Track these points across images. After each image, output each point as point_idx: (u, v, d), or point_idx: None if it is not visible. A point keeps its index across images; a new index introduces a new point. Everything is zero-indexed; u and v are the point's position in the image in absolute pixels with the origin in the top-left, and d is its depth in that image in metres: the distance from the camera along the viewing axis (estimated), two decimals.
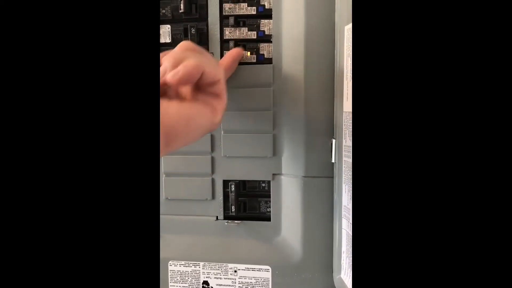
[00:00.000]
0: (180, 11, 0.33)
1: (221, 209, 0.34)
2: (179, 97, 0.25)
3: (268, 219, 0.34)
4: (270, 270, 0.34)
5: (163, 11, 0.33)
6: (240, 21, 0.33)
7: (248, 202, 0.34)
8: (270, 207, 0.34)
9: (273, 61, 0.32)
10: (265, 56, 0.32)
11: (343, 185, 0.29)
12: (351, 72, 0.28)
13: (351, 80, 0.28)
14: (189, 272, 0.35)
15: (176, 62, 0.23)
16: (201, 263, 0.35)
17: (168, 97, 0.25)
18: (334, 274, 0.31)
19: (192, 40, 0.32)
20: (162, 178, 0.35)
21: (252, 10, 0.32)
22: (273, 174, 0.33)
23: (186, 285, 0.35)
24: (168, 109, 0.23)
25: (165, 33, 0.33)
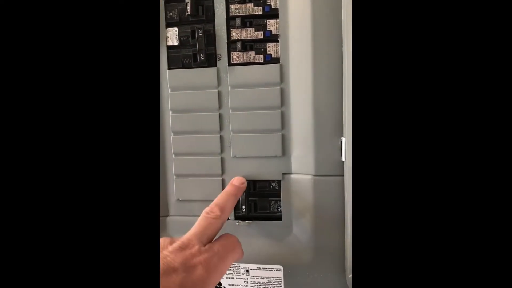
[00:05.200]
0: (187, 13, 0.33)
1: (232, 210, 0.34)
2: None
3: (279, 218, 0.34)
4: (282, 270, 0.34)
5: (170, 13, 0.34)
6: (247, 21, 0.33)
7: (258, 202, 0.34)
8: (280, 207, 0.34)
9: (281, 60, 0.32)
10: (273, 56, 0.32)
11: None
12: (351, 70, 0.27)
13: (351, 77, 0.27)
14: None
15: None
16: None
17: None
18: (347, 273, 0.31)
19: (199, 42, 0.32)
20: (173, 179, 0.35)
21: (259, 10, 0.32)
22: (283, 174, 0.33)
23: None
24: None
25: (172, 35, 0.34)
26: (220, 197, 0.30)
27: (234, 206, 0.31)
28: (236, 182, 0.32)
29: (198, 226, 0.27)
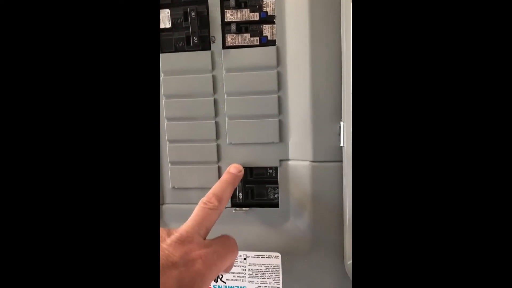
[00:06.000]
0: None
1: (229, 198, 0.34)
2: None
3: (276, 205, 0.33)
4: (280, 257, 0.33)
5: None
6: (241, 2, 0.31)
7: (255, 189, 0.34)
8: (278, 194, 0.33)
9: (277, 42, 0.31)
10: (269, 38, 0.31)
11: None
12: (350, 51, 0.26)
13: (351, 60, 0.26)
14: None
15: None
16: None
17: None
18: (345, 259, 0.31)
19: (192, 24, 0.31)
20: (168, 167, 0.34)
21: None
22: (280, 160, 0.33)
23: None
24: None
25: (164, 18, 0.32)
26: (217, 186, 0.29)
27: (231, 195, 0.30)
28: (233, 170, 0.31)
29: (195, 217, 0.27)
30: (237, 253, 0.28)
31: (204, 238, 0.26)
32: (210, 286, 0.35)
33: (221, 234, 0.28)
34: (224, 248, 0.26)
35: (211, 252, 0.25)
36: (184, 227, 0.26)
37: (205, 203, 0.27)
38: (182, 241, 0.24)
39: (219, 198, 0.28)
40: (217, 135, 0.33)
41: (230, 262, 0.27)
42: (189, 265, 0.23)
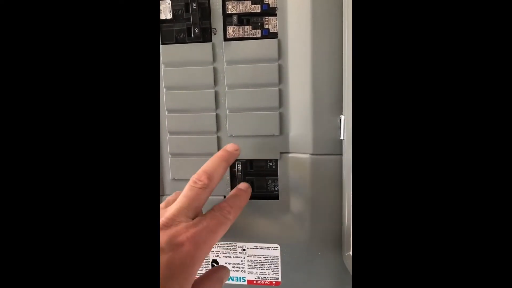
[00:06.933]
0: None
1: (229, 189, 0.34)
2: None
3: (276, 197, 0.34)
4: (279, 248, 0.34)
5: None
6: None
7: (255, 181, 0.34)
8: (278, 186, 0.33)
9: (279, 35, 0.31)
10: (270, 31, 0.31)
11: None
12: (351, 45, 0.26)
13: (351, 53, 0.26)
14: None
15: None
16: None
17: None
18: (343, 251, 0.31)
19: (193, 15, 0.31)
20: (168, 158, 0.34)
21: None
22: (281, 153, 0.33)
23: None
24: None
25: (165, 9, 0.32)
26: (209, 163, 0.28)
27: (224, 173, 0.29)
28: (229, 148, 0.30)
29: (183, 198, 0.26)
30: (231, 221, 0.27)
31: (194, 218, 0.25)
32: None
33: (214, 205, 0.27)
34: (214, 221, 0.25)
35: (199, 231, 0.24)
36: (170, 211, 0.25)
37: (194, 182, 0.26)
38: (167, 226, 0.24)
39: (209, 175, 0.27)
40: (218, 127, 0.33)
41: (223, 233, 0.26)
42: (177, 249, 0.22)
